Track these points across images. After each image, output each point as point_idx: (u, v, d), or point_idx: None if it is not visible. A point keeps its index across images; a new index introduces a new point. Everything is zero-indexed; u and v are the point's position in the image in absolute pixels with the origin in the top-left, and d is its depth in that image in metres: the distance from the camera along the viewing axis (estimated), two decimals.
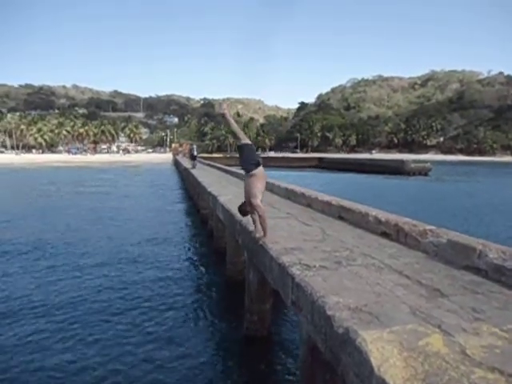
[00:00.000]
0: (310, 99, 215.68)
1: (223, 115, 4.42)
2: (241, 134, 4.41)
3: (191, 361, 5.21)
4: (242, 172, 4.63)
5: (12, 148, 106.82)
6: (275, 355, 5.61)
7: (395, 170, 46.71)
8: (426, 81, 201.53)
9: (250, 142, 4.47)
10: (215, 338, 6.01)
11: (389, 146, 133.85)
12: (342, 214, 6.08)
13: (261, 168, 4.44)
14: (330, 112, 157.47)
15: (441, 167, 57.28)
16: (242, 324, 6.08)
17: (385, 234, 4.84)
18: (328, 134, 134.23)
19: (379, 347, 2.16)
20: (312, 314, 2.97)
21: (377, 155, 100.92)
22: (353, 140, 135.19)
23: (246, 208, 4.63)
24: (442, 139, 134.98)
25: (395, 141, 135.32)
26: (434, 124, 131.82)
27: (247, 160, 4.40)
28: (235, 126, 4.38)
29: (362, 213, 5.50)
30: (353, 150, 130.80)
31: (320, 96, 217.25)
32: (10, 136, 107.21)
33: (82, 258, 9.97)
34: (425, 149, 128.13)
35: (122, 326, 6.16)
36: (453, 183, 37.02)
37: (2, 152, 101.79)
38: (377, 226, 5.05)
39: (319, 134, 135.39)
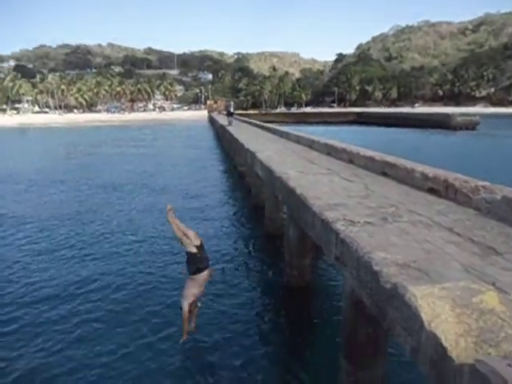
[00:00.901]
0: (349, 50, 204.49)
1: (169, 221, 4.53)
2: (185, 241, 4.48)
3: (234, 306, 5.51)
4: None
5: (55, 108, 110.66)
6: (314, 305, 5.79)
7: (440, 124, 44.22)
8: (478, 25, 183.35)
9: (193, 251, 4.48)
10: (258, 287, 6.28)
11: (433, 99, 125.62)
12: (385, 170, 5.89)
13: (202, 274, 4.52)
14: (370, 63, 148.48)
15: (490, 121, 53.47)
16: (282, 275, 6.26)
17: (432, 191, 4.65)
18: (367, 87, 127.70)
19: (430, 303, 2.13)
20: (357, 269, 2.96)
21: (420, 109, 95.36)
22: (394, 93, 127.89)
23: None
24: (492, 90, 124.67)
25: (440, 93, 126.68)
26: (485, 73, 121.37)
27: (189, 264, 4.53)
28: (180, 234, 4.46)
29: (407, 168, 5.28)
30: (393, 103, 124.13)
31: (360, 46, 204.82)
32: (53, 96, 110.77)
33: (129, 213, 10.58)
34: (473, 101, 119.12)
35: (169, 269, 6.51)
36: (503, 138, 34.62)
37: (46, 112, 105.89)
38: (424, 182, 4.85)
39: (358, 88, 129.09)
